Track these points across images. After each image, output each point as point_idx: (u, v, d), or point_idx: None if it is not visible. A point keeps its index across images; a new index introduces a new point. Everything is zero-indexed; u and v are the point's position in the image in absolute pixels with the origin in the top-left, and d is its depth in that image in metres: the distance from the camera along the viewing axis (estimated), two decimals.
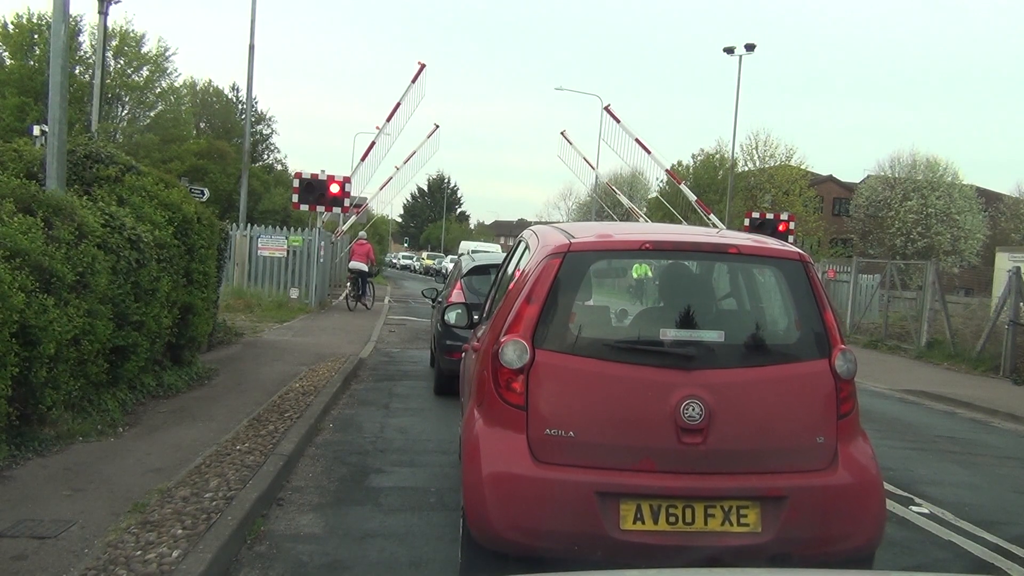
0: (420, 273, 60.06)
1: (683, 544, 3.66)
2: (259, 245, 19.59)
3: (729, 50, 34.50)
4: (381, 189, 29.63)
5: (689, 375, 3.79)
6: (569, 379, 3.86)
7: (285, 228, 21.38)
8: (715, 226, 26.64)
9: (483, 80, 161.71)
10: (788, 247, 4.37)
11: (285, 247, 19.77)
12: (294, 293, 19.67)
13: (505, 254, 6.11)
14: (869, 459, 3.99)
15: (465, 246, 31.27)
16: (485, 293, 7.68)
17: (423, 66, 23.89)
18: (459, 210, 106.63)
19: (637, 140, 27.23)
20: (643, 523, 3.66)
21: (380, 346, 14.38)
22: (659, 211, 53.89)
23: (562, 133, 35.51)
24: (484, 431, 3.91)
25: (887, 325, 19.30)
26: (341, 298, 26.21)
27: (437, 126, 31.05)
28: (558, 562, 3.74)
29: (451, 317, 5.75)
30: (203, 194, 14.83)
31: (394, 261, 75.65)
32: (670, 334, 3.93)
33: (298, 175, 22.60)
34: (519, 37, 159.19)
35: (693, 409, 3.72)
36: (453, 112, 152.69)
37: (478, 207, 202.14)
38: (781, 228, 23.04)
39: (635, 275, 5.41)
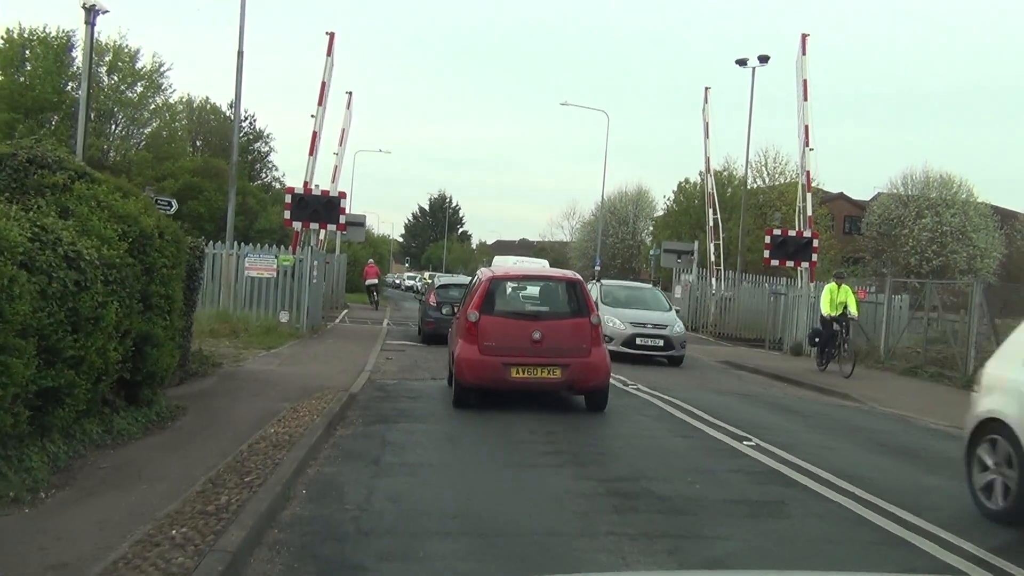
0: (423, 295, 58.32)
1: (534, 381, 9.77)
2: (246, 264, 18.12)
3: (742, 62, 33.22)
4: (334, 181, 31.66)
5: (536, 323, 10.02)
6: (494, 325, 9.92)
7: (275, 246, 19.94)
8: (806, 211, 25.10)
9: (485, 100, 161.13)
10: (571, 274, 11.43)
11: (274, 267, 18.29)
12: (284, 317, 18.19)
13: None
14: (604, 353, 10.13)
15: (501, 260, 30.47)
16: (448, 297, 18.39)
17: (332, 35, 25.24)
18: (461, 230, 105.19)
19: (804, 81, 25.03)
20: (520, 374, 9.70)
21: (375, 377, 12.90)
22: (667, 229, 52.68)
23: (706, 89, 34.82)
24: (462, 344, 9.97)
25: (927, 350, 17.80)
26: (338, 320, 24.77)
27: (350, 93, 34.87)
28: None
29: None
30: (171, 206, 13.42)
31: (397, 281, 72.98)
32: (529, 307, 10.87)
33: (290, 190, 21.26)
34: (521, 56, 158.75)
35: (537, 335, 9.77)
36: (455, 132, 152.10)
37: (480, 227, 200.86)
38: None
39: (525, 288, 11.80)
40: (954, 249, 45.82)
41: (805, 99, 24.38)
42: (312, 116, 23.48)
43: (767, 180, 51.27)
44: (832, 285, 17.36)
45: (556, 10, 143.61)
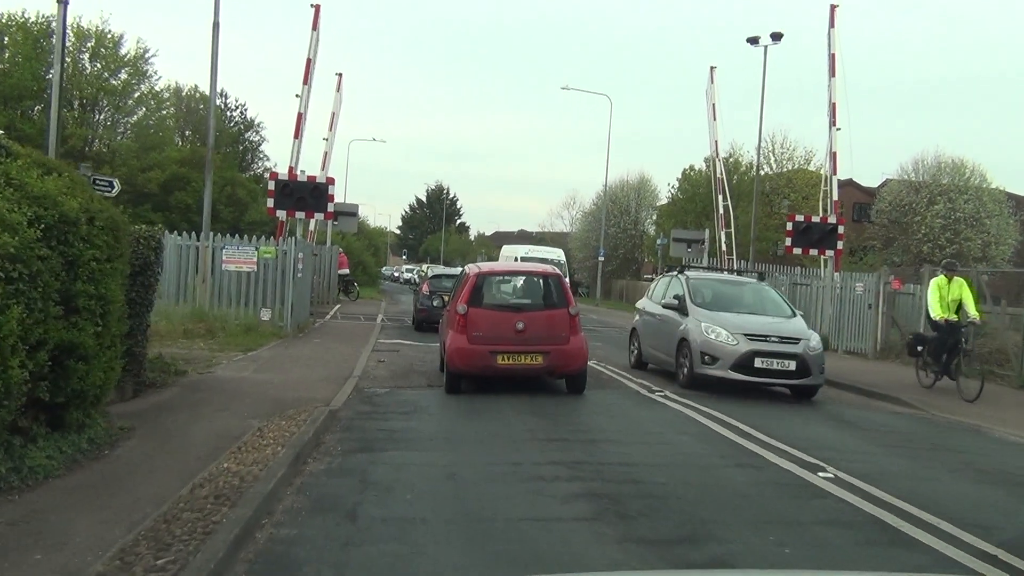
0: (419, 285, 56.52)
1: (518, 367, 10.81)
2: (223, 257, 16.43)
3: (753, 40, 31.35)
4: (324, 168, 29.41)
5: (519, 314, 11.07)
6: (481, 316, 10.98)
7: (264, 238, 18.23)
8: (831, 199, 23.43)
9: (483, 92, 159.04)
10: (551, 269, 12.62)
11: (254, 259, 16.60)
12: (266, 315, 16.53)
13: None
14: (581, 341, 11.19)
15: (510, 250, 29.28)
16: (440, 287, 20.07)
17: (318, 7, 23.36)
18: (459, 221, 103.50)
19: (832, 55, 22.83)
20: (506, 360, 10.74)
21: (363, 384, 11.27)
22: (671, 219, 50.99)
23: (711, 68, 32.37)
24: (452, 335, 10.96)
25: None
26: (328, 316, 23.16)
27: (340, 75, 32.33)
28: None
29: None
30: (111, 186, 11.70)
31: (395, 274, 70.89)
32: (512, 300, 12.14)
33: (274, 176, 19.60)
34: (520, 48, 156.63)
35: (521, 325, 10.84)
36: (453, 125, 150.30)
37: (478, 218, 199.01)
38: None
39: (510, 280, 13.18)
40: (968, 236, 44.16)
41: (833, 75, 22.60)
42: (297, 96, 21.76)
43: (774, 166, 49.63)
44: (940, 279, 13.44)
45: (556, 2, 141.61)
